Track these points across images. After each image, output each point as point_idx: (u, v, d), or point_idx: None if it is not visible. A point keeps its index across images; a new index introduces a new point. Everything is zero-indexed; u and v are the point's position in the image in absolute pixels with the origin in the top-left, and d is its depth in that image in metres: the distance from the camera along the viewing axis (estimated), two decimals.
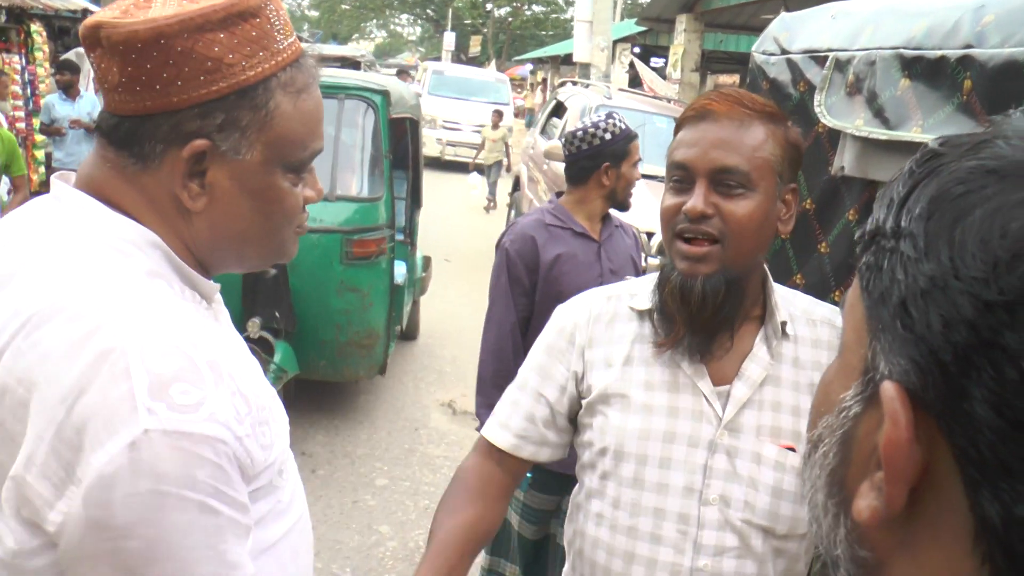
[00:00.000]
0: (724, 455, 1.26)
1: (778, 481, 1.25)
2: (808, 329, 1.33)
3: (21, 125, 8.58)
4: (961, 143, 0.44)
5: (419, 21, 52.74)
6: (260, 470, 0.85)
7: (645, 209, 6.91)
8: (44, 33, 10.39)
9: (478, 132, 14.61)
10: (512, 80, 34.55)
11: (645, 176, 7.54)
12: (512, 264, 2.48)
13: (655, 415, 1.28)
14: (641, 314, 1.36)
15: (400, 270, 5.24)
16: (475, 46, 42.38)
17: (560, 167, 7.75)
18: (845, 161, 1.81)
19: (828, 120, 1.84)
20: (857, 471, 0.46)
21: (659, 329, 1.32)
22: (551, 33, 39.00)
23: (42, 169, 8.66)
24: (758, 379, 1.28)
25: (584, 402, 1.35)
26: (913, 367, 0.41)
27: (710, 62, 18.87)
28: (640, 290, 1.39)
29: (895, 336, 0.43)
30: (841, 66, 1.88)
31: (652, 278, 1.40)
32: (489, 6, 42.60)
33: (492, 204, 12.86)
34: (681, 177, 1.25)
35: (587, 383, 1.35)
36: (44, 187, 7.30)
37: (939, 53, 1.60)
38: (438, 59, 38.55)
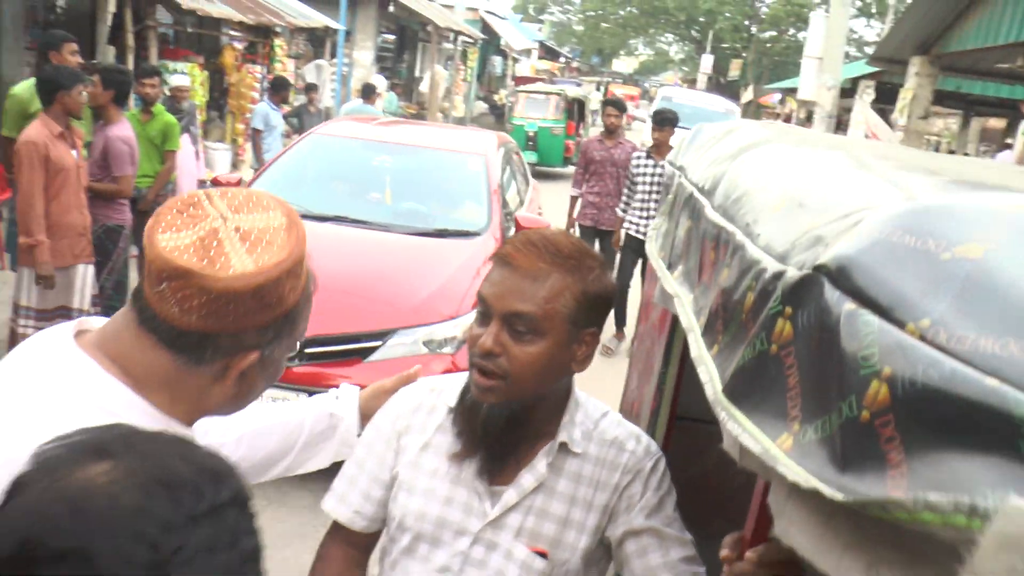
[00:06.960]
0: (483, 547, 1.42)
1: None
2: (598, 448, 1.46)
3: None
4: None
5: (684, 42, 52.39)
6: None
7: None
8: (285, 47, 11.96)
9: None
10: (765, 107, 33.43)
11: None
12: None
13: (433, 501, 1.45)
14: (450, 409, 1.49)
15: None
16: (735, 69, 41.47)
17: None
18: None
19: None
20: None
21: (457, 434, 1.45)
22: None
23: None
24: (528, 487, 1.41)
25: (391, 476, 1.55)
26: None
27: (973, 104, 17.25)
28: (458, 387, 1.52)
29: None
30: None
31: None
32: (753, 29, 41.56)
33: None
34: (484, 310, 1.37)
35: (397, 463, 1.51)
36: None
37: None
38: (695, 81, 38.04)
